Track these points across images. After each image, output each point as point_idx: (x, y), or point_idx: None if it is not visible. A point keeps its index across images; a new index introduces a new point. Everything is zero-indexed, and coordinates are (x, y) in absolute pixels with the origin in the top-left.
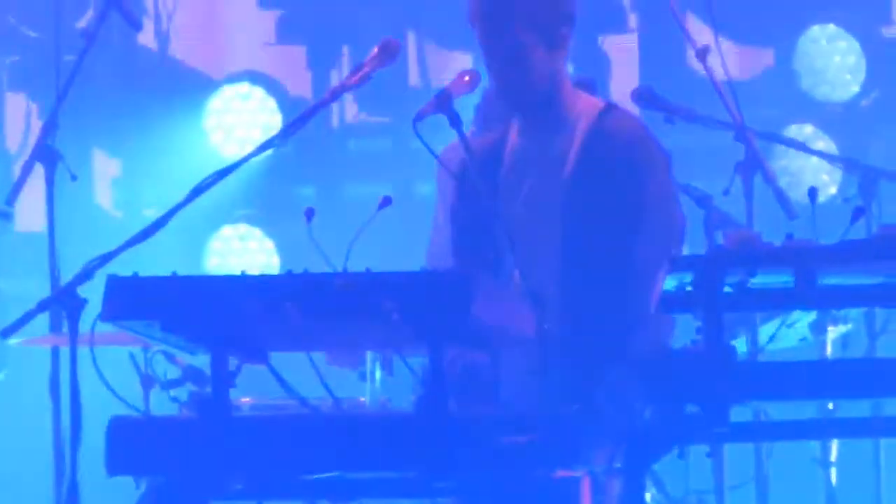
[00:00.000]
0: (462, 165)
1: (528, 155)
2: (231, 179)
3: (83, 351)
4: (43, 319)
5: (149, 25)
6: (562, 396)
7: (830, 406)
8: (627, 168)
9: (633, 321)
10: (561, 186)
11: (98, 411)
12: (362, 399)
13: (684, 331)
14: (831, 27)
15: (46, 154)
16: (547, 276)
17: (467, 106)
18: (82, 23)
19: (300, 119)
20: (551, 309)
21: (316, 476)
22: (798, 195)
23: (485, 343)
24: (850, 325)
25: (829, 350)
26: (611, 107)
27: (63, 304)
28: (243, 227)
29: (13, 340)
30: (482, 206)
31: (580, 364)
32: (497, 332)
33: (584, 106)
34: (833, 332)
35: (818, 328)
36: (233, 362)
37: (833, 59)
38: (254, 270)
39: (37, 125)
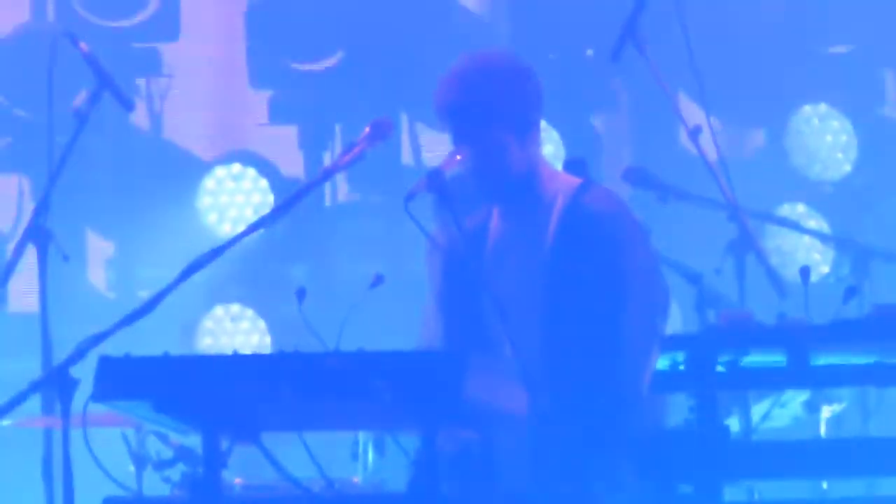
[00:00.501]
0: (451, 245)
1: (508, 237)
2: (223, 259)
3: (76, 432)
4: (35, 400)
5: (141, 106)
6: (554, 476)
7: (825, 485)
8: (606, 244)
9: (626, 399)
10: (541, 266)
11: (91, 492)
12: (355, 479)
13: (677, 410)
14: (823, 106)
15: (38, 234)
16: (531, 357)
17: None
18: (77, 102)
19: (292, 199)
20: (540, 389)
21: None
22: (790, 274)
23: (477, 422)
24: (843, 404)
25: (822, 429)
26: (587, 184)
27: (55, 384)
28: (236, 307)
29: (5, 422)
30: (470, 285)
31: (572, 444)
32: (489, 412)
33: (561, 184)
34: (827, 412)
35: (812, 407)
36: (224, 442)
37: (825, 139)
38: (246, 350)
39: (29, 206)
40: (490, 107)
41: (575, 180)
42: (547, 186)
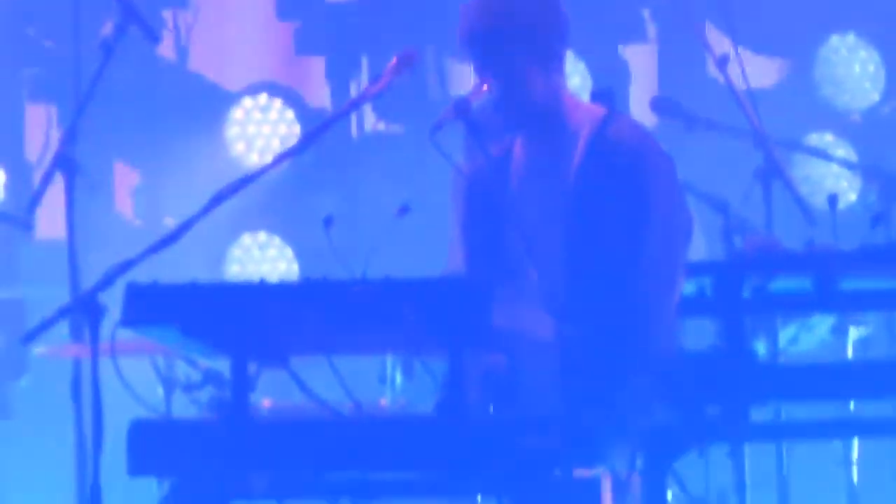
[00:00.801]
0: (476, 173)
1: (532, 167)
2: (251, 189)
3: (105, 358)
4: (64, 327)
5: (168, 38)
6: (581, 398)
7: (851, 406)
8: (632, 174)
9: (652, 324)
10: (565, 194)
11: (120, 416)
12: (382, 402)
13: (704, 335)
14: (851, 36)
15: (66, 164)
16: (556, 284)
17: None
18: (104, 33)
19: (319, 129)
20: (564, 315)
21: (336, 477)
22: (818, 202)
23: (504, 347)
24: (870, 328)
25: (849, 352)
26: (612, 114)
27: (83, 310)
28: (263, 236)
29: (35, 349)
30: (494, 213)
31: (598, 369)
32: (516, 337)
33: (586, 115)
34: (854, 335)
35: (839, 331)
36: (253, 366)
37: (853, 68)
38: (273, 278)
39: (56, 136)
40: (514, 35)
41: (600, 110)
42: (571, 116)
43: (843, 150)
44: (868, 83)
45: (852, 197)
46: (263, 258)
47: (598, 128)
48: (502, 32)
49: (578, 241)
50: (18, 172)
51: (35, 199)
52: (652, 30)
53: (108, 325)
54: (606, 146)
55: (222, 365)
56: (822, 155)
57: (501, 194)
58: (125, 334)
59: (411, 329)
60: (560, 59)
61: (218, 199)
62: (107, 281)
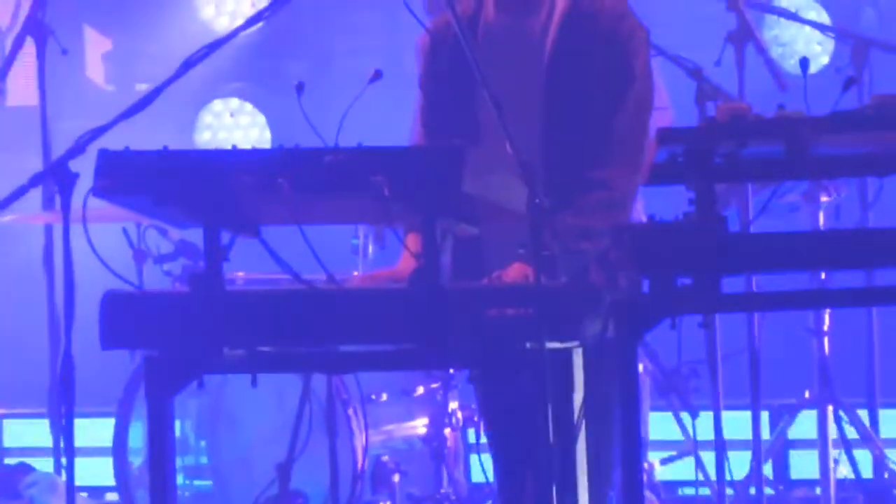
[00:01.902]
0: (441, 32)
1: (505, 32)
2: (222, 54)
3: (76, 226)
4: (36, 195)
5: None
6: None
7: (823, 276)
8: (611, 44)
9: (625, 192)
10: (541, 65)
11: (92, 286)
12: (356, 273)
13: (675, 203)
14: None
15: (37, 28)
16: (529, 151)
17: None
18: None
19: None
20: (538, 183)
21: (310, 350)
22: (790, 66)
23: (476, 217)
24: (842, 195)
25: (821, 220)
26: None
27: (55, 178)
28: (234, 102)
29: (6, 217)
30: (460, 75)
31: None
32: (488, 206)
33: None
34: (825, 202)
35: (810, 198)
36: (225, 237)
37: None
38: (245, 145)
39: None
40: None
41: None
42: None
43: (815, 13)
44: None
45: (824, 60)
46: (236, 125)
47: None
48: None
49: (555, 111)
50: None
51: (6, 65)
52: None
53: (79, 194)
54: (584, 15)
55: (194, 235)
56: (794, 17)
57: (469, 54)
58: (97, 202)
59: (383, 198)
60: None
61: (189, 64)
62: (78, 148)
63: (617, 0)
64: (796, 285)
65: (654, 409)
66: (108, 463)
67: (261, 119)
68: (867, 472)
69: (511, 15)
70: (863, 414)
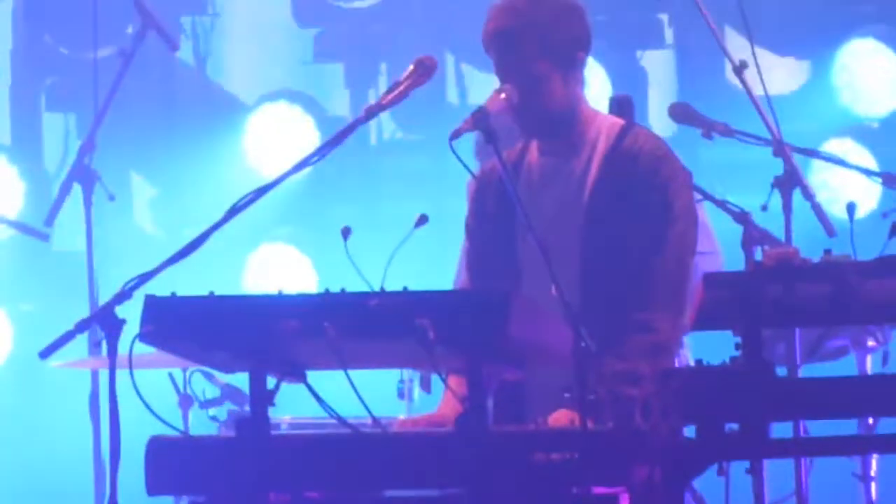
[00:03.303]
0: (487, 177)
1: (547, 174)
2: (269, 198)
3: (122, 371)
4: (82, 340)
5: (187, 45)
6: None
7: (871, 421)
8: (651, 185)
9: (669, 337)
10: (581, 206)
11: (138, 431)
12: (401, 417)
13: (723, 347)
14: (871, 41)
15: (84, 174)
16: (570, 296)
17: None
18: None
19: (337, 137)
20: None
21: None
22: (837, 210)
23: (522, 361)
24: (889, 340)
25: (868, 365)
26: (630, 125)
27: (101, 324)
28: (281, 246)
29: (53, 363)
30: (505, 218)
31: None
32: (534, 350)
33: (603, 125)
34: (873, 347)
35: (858, 343)
36: (271, 381)
37: (872, 74)
38: (291, 289)
39: (75, 145)
40: (538, 39)
41: (617, 121)
42: (589, 125)
43: (862, 157)
44: (887, 88)
45: (872, 204)
46: (282, 269)
47: (615, 139)
48: (525, 37)
49: (595, 251)
50: (37, 182)
51: (53, 211)
52: (670, 35)
53: (126, 339)
54: (624, 157)
55: (240, 380)
56: (842, 162)
57: (515, 199)
58: (143, 347)
59: (429, 342)
60: (580, 68)
61: (236, 210)
62: (125, 294)
63: (657, 142)
64: (844, 430)
65: None
66: None
67: (307, 263)
68: None
69: (553, 157)
70: None
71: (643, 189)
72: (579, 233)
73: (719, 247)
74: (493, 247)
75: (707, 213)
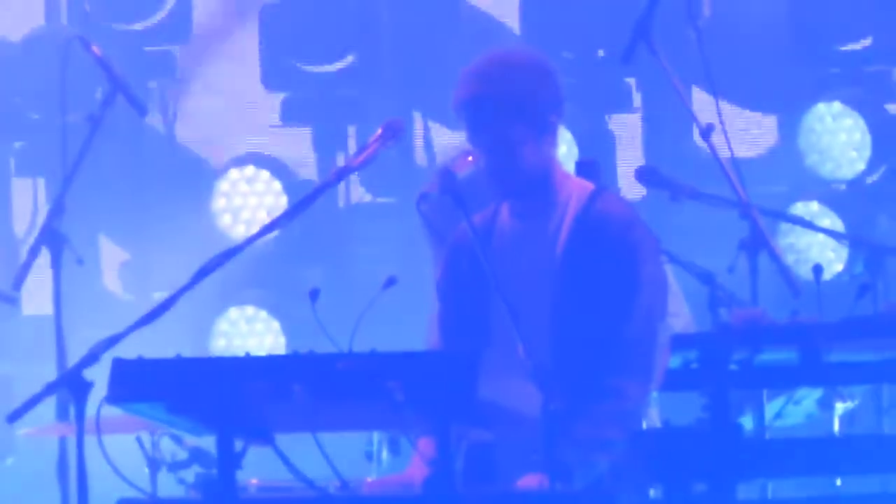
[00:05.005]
0: (458, 241)
1: (519, 236)
2: (237, 261)
3: (90, 435)
4: (50, 404)
5: (155, 110)
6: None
7: (838, 482)
8: (620, 251)
9: (636, 400)
10: (552, 269)
11: (106, 495)
12: (369, 479)
13: (690, 408)
14: (836, 104)
15: (53, 238)
16: (540, 358)
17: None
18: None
19: (305, 200)
20: (551, 388)
21: None
22: (805, 272)
23: (491, 422)
24: (857, 401)
25: (836, 426)
26: (600, 190)
27: (69, 386)
28: (250, 309)
29: (21, 430)
30: (476, 282)
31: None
32: (503, 412)
33: (574, 188)
34: (840, 409)
35: (825, 404)
36: (239, 444)
37: (839, 137)
38: (261, 352)
39: (44, 209)
40: (511, 105)
41: (588, 185)
42: (560, 188)
43: (828, 220)
44: (854, 152)
45: (838, 267)
46: (251, 332)
47: (585, 203)
48: (498, 102)
49: (564, 313)
50: (5, 246)
51: (21, 274)
52: (638, 98)
53: (94, 402)
54: (594, 222)
55: (208, 442)
56: (808, 224)
57: (484, 262)
58: (111, 411)
59: (397, 404)
60: (553, 132)
61: (204, 272)
62: (92, 357)
63: (626, 208)
64: (812, 491)
65: None
66: None
67: (276, 326)
68: None
69: (525, 219)
70: None
71: (612, 255)
72: (550, 295)
73: (686, 308)
74: (464, 309)
75: (673, 276)
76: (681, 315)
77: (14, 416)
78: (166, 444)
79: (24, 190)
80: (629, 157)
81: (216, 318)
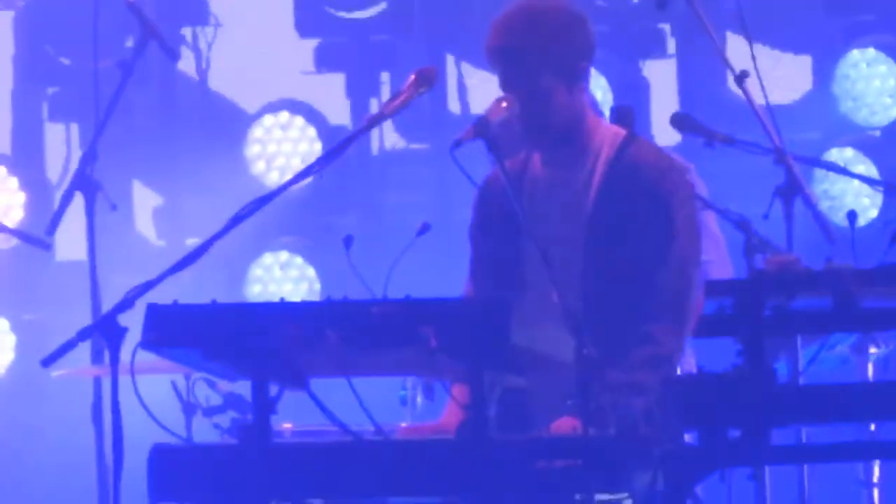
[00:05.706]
0: (490, 187)
1: (551, 183)
2: (272, 207)
3: (125, 379)
4: (85, 349)
5: (187, 56)
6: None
7: (872, 427)
8: (653, 197)
9: (670, 346)
10: (584, 215)
11: (140, 439)
12: (403, 425)
13: (725, 354)
14: (871, 51)
15: (86, 184)
16: (572, 304)
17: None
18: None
19: (339, 146)
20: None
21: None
22: (838, 219)
23: (524, 368)
24: (891, 347)
25: (870, 372)
26: (632, 136)
27: (103, 332)
28: (284, 255)
29: (55, 372)
30: (508, 227)
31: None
32: (536, 357)
33: (606, 135)
34: (874, 354)
35: (859, 350)
36: (273, 389)
37: (873, 83)
38: (294, 298)
39: (76, 155)
40: (541, 51)
41: (620, 131)
42: (592, 136)
43: (863, 166)
44: (888, 98)
45: (873, 213)
46: (285, 278)
47: (617, 150)
48: (528, 49)
49: (598, 261)
50: (39, 192)
51: (55, 220)
52: (672, 45)
53: (128, 348)
54: (626, 168)
55: (243, 388)
56: (843, 171)
57: (518, 208)
58: (145, 356)
59: (431, 350)
60: (584, 79)
61: (238, 219)
62: (127, 302)
63: (659, 154)
64: (846, 437)
65: None
66: None
67: (310, 272)
68: None
69: (555, 168)
70: None
71: (645, 202)
72: (582, 242)
73: (726, 252)
74: (496, 255)
75: (716, 222)
76: (716, 261)
77: (48, 361)
78: (201, 389)
79: (58, 135)
80: (664, 104)
81: (251, 264)
